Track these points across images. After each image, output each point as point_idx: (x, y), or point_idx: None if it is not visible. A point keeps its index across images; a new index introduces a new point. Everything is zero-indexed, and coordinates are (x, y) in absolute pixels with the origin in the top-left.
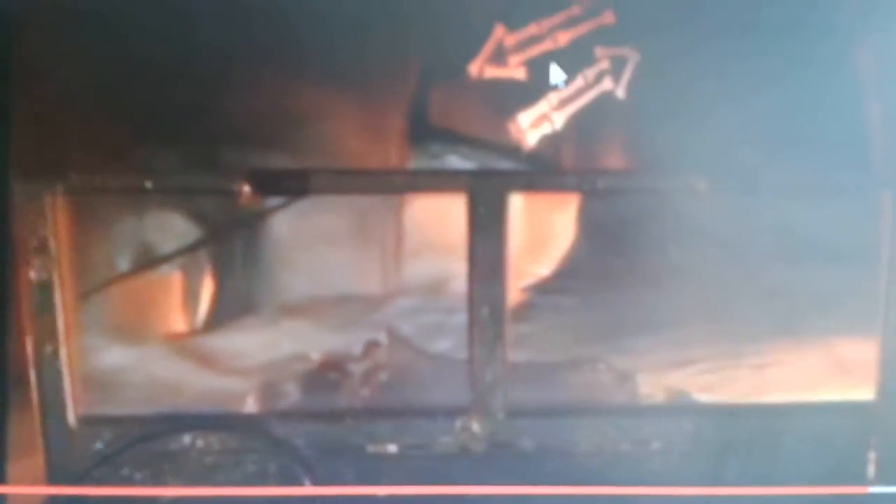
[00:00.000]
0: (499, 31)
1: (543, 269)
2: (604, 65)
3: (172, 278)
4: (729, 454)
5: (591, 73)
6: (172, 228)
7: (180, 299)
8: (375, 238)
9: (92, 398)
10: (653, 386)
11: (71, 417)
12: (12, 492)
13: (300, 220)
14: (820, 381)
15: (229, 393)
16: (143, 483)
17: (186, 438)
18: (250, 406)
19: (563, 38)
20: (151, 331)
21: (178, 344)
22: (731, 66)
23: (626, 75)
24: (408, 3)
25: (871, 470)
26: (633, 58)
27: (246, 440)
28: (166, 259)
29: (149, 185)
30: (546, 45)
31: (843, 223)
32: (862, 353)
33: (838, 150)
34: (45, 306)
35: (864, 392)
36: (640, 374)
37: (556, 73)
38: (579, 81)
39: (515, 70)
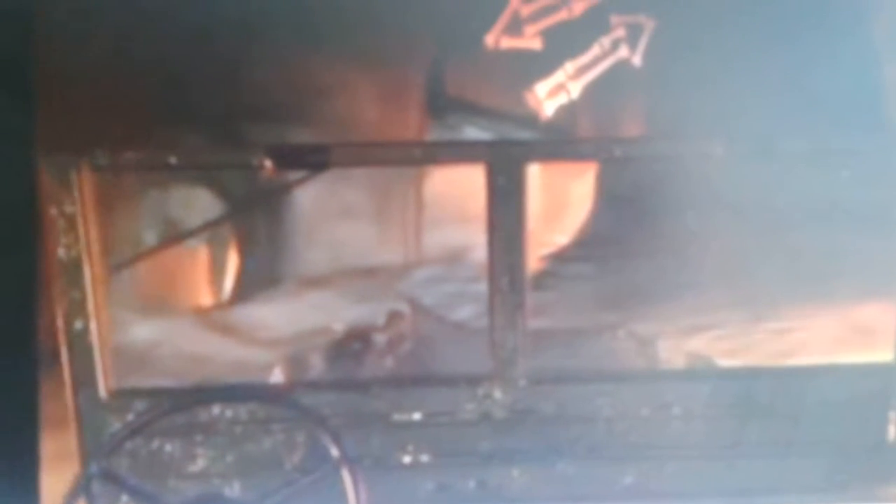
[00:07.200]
0: (514, 1)
1: (562, 237)
2: (619, 33)
3: (198, 252)
4: (749, 418)
5: (606, 41)
6: (197, 203)
7: (206, 273)
8: (396, 210)
9: (122, 372)
10: (673, 351)
11: (102, 391)
12: None
13: (322, 193)
14: (840, 343)
15: (256, 364)
16: (173, 453)
17: (216, 409)
18: (277, 377)
19: (578, 7)
20: (179, 304)
21: (206, 317)
22: (746, 33)
23: (642, 43)
24: None
25: (891, 430)
26: (648, 25)
27: (274, 410)
28: (191, 234)
29: (173, 161)
30: (561, 15)
31: (861, 186)
32: (881, 315)
33: (854, 113)
34: (75, 282)
35: (884, 354)
36: (661, 339)
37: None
38: (595, 50)
39: (531, 40)
